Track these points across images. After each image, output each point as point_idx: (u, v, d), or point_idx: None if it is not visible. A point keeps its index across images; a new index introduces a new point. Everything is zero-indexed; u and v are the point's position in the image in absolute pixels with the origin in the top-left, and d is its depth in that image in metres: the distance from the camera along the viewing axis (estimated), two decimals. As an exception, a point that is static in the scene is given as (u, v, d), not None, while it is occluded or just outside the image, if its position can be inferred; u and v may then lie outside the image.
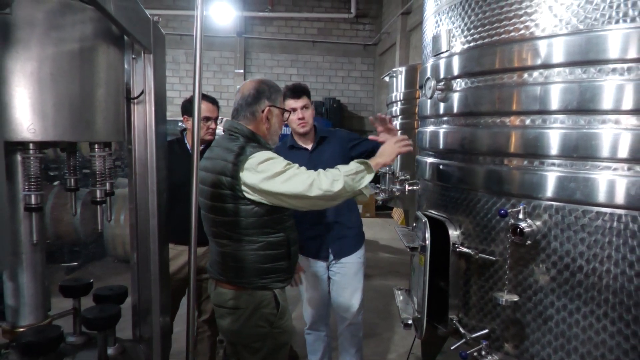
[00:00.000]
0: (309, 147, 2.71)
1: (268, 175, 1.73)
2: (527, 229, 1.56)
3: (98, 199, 1.55)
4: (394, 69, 5.06)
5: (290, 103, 2.59)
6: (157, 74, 1.72)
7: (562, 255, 1.54)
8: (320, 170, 1.81)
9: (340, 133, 2.84)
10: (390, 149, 1.99)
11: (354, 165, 1.84)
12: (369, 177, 1.85)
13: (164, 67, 1.83)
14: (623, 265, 1.42)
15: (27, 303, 1.47)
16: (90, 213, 4.60)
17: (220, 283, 1.95)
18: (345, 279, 2.76)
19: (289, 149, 2.71)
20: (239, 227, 1.84)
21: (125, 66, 1.65)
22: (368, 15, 12.70)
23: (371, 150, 2.62)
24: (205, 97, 2.74)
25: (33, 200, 1.38)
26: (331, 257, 2.74)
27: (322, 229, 2.70)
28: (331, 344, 2.98)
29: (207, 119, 2.74)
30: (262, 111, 1.92)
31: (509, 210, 1.62)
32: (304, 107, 2.61)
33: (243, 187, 1.77)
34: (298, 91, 2.61)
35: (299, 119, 2.61)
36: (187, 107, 2.81)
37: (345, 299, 2.78)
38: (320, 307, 2.84)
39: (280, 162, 1.78)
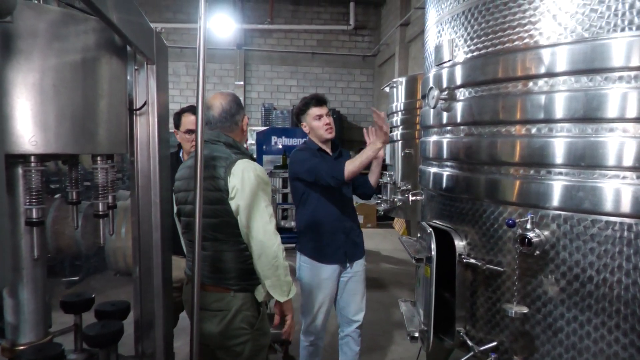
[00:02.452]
0: (330, 153, 2.87)
1: (250, 202, 1.87)
2: (535, 239, 1.54)
3: (100, 212, 1.53)
4: (394, 80, 5.05)
5: (315, 111, 2.73)
6: (160, 85, 1.72)
7: (571, 266, 1.52)
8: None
9: (346, 154, 3.01)
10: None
11: (287, 284, 1.94)
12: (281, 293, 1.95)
13: (166, 78, 1.83)
14: (635, 275, 1.39)
15: (27, 320, 1.43)
16: (91, 226, 4.56)
17: (203, 286, 1.99)
18: (357, 283, 2.82)
19: (317, 151, 2.82)
20: (223, 228, 1.92)
21: (128, 77, 1.65)
22: (367, 26, 12.78)
23: None
24: (191, 110, 2.80)
25: (34, 215, 1.36)
26: (347, 261, 2.77)
27: (343, 234, 2.73)
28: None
29: (192, 131, 2.76)
30: (242, 119, 2.11)
31: (517, 220, 1.59)
32: (328, 113, 2.76)
33: (229, 187, 1.89)
34: (322, 99, 2.76)
35: (326, 124, 2.75)
36: (174, 121, 2.90)
37: (356, 303, 2.83)
38: (327, 316, 2.83)
39: (265, 198, 1.91)
